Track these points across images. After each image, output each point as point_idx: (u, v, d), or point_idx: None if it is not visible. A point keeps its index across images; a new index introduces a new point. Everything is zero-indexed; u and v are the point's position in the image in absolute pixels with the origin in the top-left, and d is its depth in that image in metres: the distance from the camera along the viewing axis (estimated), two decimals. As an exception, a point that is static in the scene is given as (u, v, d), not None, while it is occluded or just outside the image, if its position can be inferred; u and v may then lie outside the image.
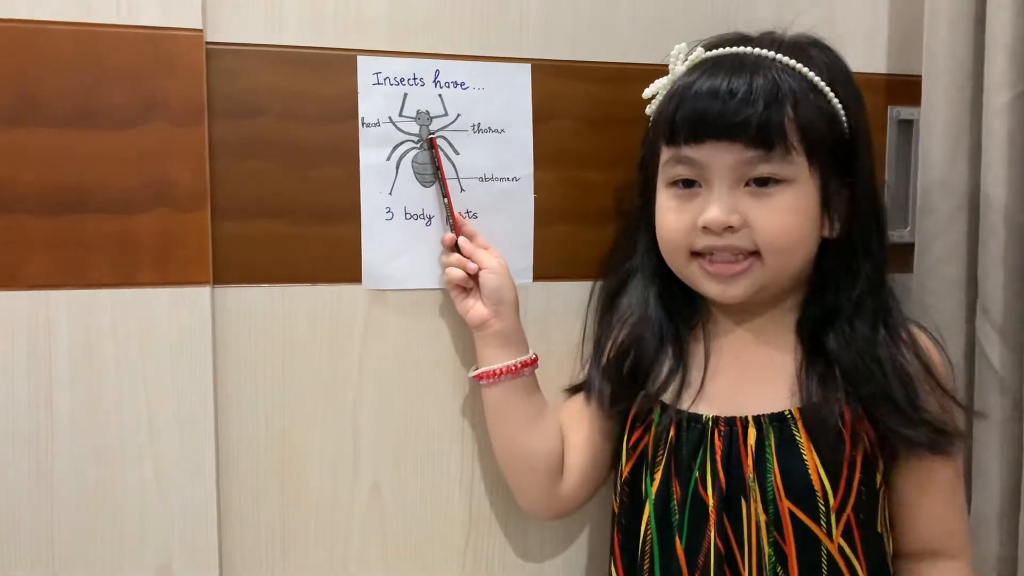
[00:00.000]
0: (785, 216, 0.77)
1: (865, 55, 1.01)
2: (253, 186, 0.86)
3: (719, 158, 0.77)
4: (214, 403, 0.85)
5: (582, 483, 0.90)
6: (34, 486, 0.82)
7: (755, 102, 0.75)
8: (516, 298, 0.88)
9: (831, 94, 0.79)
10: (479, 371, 0.88)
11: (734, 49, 0.80)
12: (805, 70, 0.78)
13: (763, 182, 0.77)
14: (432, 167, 0.89)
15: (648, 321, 0.86)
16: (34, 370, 0.81)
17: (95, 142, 0.80)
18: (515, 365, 0.87)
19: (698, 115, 0.77)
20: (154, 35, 0.81)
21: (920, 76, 0.97)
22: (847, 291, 0.81)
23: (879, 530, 0.80)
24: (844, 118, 0.79)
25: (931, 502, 0.82)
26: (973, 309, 0.93)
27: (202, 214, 0.83)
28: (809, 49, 0.81)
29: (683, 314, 0.86)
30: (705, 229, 0.78)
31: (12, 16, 0.78)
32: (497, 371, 0.87)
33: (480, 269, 0.86)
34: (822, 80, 0.78)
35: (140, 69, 0.81)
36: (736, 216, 0.77)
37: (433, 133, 0.89)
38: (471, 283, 0.88)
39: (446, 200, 0.89)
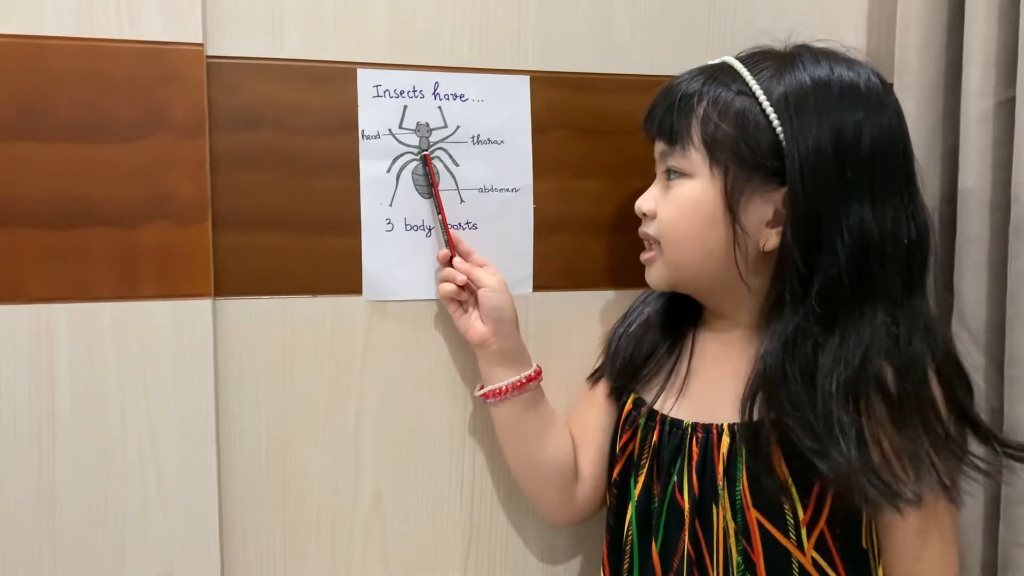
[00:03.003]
0: (675, 207, 0.81)
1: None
2: (254, 198, 0.86)
3: (656, 150, 0.85)
4: (215, 414, 0.86)
5: (597, 488, 0.92)
6: (36, 497, 0.82)
7: (671, 100, 0.81)
8: (516, 315, 0.88)
9: (766, 104, 0.77)
10: (485, 390, 0.89)
11: (719, 60, 0.82)
12: (747, 77, 0.78)
13: (674, 174, 0.82)
14: (427, 184, 0.90)
15: (652, 318, 0.89)
16: (36, 383, 0.81)
17: (97, 155, 0.81)
18: (520, 381, 0.88)
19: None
20: (155, 49, 0.81)
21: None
22: (794, 310, 0.77)
23: (864, 545, 0.79)
24: (780, 131, 0.76)
25: (898, 552, 0.79)
26: (946, 316, 0.93)
27: (203, 226, 0.84)
28: (797, 60, 0.79)
29: (683, 318, 0.88)
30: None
31: (15, 31, 0.78)
32: (503, 388, 0.87)
33: (479, 288, 0.87)
34: (760, 88, 0.77)
35: (141, 83, 0.81)
36: (650, 204, 0.84)
37: (433, 145, 0.90)
38: (464, 295, 0.88)
39: (440, 217, 0.89)
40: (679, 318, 0.88)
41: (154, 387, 0.84)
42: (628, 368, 0.89)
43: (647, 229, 0.84)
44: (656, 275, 0.85)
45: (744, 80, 0.78)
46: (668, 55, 0.88)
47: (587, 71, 0.94)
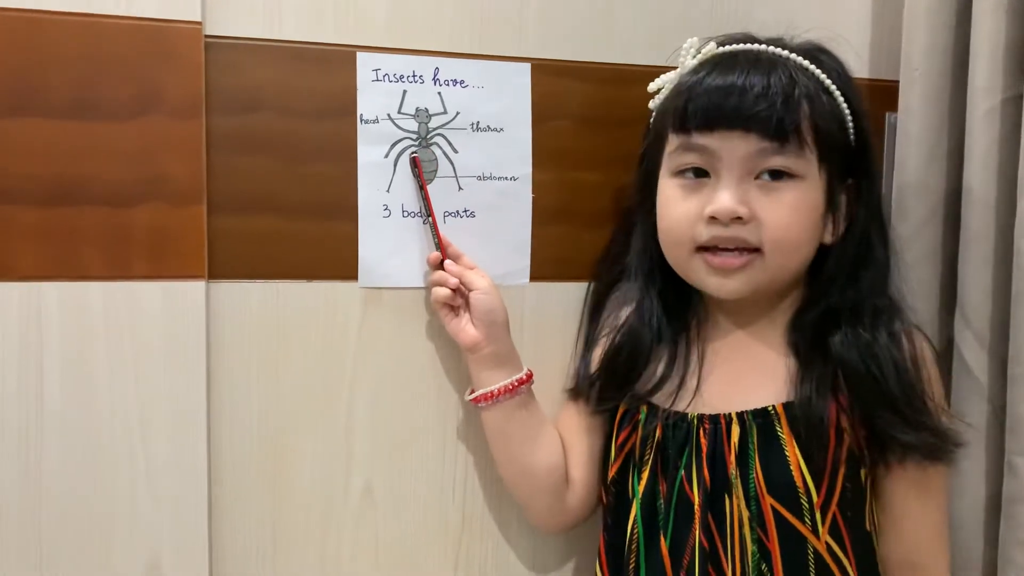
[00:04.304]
0: (793, 212, 0.77)
1: (865, 59, 1.01)
2: (250, 181, 0.85)
3: (732, 147, 0.76)
4: (206, 398, 0.84)
5: (588, 494, 0.90)
6: (22, 481, 0.81)
7: (773, 95, 0.75)
8: (507, 318, 0.87)
9: (841, 98, 0.79)
10: (475, 394, 0.87)
11: (748, 46, 0.81)
12: (818, 72, 0.79)
13: (775, 175, 0.77)
14: (417, 182, 0.89)
15: (645, 319, 0.86)
16: (24, 362, 0.80)
17: (91, 134, 0.80)
18: (511, 384, 0.86)
19: (713, 104, 0.76)
20: (153, 27, 0.80)
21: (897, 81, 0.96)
22: (849, 295, 0.81)
23: (867, 528, 0.81)
24: (851, 124, 0.80)
25: (919, 511, 0.82)
26: (947, 312, 0.92)
27: (198, 208, 0.83)
28: (819, 54, 0.82)
29: (679, 313, 0.86)
30: (712, 219, 0.77)
31: (11, 5, 0.77)
32: (494, 392, 0.86)
33: (470, 291, 0.85)
34: (833, 84, 0.79)
35: (138, 61, 0.80)
36: (745, 207, 0.76)
37: (432, 131, 0.89)
38: (458, 300, 0.87)
39: (431, 219, 0.88)
40: (673, 323, 0.86)
41: (145, 369, 0.82)
42: (620, 390, 0.85)
43: (743, 234, 0.77)
44: (745, 282, 0.78)
45: (813, 74, 0.79)
46: (670, 45, 0.87)
47: (589, 60, 0.93)
